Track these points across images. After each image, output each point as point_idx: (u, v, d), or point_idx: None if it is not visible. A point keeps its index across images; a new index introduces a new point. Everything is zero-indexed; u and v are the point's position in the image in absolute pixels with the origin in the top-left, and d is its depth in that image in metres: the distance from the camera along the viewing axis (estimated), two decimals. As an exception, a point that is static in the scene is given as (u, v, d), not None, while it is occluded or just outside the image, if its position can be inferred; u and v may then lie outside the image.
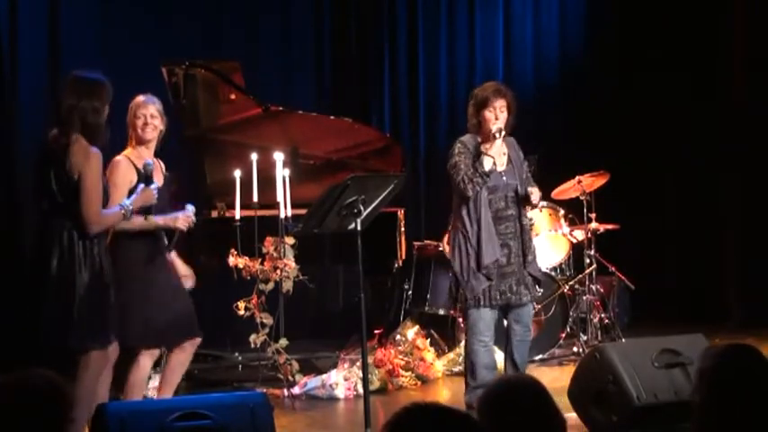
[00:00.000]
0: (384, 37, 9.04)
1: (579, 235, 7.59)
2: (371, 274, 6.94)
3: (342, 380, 6.32)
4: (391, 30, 9.07)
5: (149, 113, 5.14)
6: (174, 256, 5.31)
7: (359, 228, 4.98)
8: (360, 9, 8.97)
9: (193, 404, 3.54)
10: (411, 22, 9.11)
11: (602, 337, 7.48)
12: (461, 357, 6.96)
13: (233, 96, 6.97)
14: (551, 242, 7.56)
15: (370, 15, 9.01)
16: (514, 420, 2.49)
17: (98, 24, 7.95)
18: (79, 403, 4.41)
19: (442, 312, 7.49)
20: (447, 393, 6.50)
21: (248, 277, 6.09)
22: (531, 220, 5.88)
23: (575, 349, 7.36)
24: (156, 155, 5.25)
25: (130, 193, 4.90)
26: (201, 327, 5.29)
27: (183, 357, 5.22)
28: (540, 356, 7.15)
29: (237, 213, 5.96)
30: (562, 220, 7.54)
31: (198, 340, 5.26)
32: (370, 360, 6.01)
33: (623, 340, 7.11)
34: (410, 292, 7.65)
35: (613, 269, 7.86)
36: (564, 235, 7.53)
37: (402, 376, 6.61)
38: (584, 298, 7.49)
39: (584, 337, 7.44)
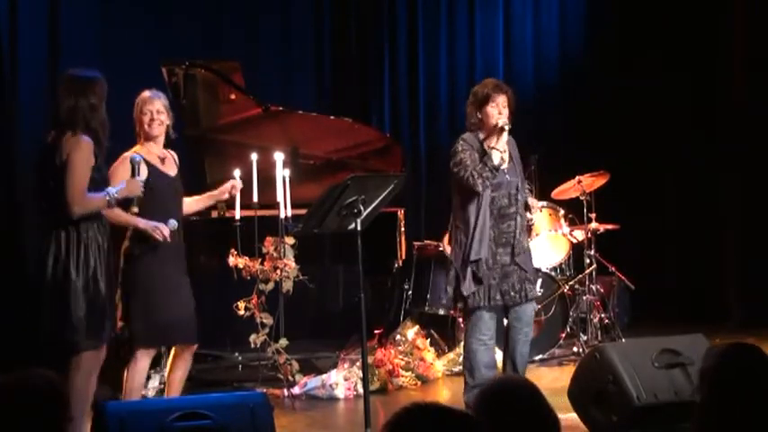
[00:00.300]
0: (384, 37, 9.05)
1: (579, 235, 7.59)
2: (371, 274, 6.94)
3: (342, 380, 6.32)
4: (391, 30, 9.07)
5: (155, 109, 5.19)
6: None
7: (359, 228, 4.98)
8: (360, 9, 8.97)
9: (193, 404, 3.54)
10: (411, 22, 9.11)
11: (602, 337, 7.48)
12: (461, 357, 6.96)
13: (233, 96, 6.97)
14: (551, 242, 7.56)
15: (370, 15, 9.01)
16: (510, 421, 2.49)
17: (98, 24, 7.96)
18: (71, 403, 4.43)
19: (442, 312, 7.49)
20: (447, 393, 6.50)
21: (248, 277, 6.09)
22: (531, 221, 5.87)
23: (575, 349, 7.36)
24: (168, 147, 5.33)
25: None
26: (202, 327, 5.29)
27: (178, 369, 5.26)
28: (540, 356, 7.15)
29: (237, 213, 5.96)
30: (562, 220, 7.54)
31: (191, 349, 5.28)
32: (370, 360, 6.01)
33: (623, 340, 7.11)
34: (410, 292, 7.64)
35: (613, 269, 7.86)
36: (564, 235, 7.53)
37: (402, 376, 6.61)
38: (584, 298, 7.49)
39: (584, 337, 7.44)
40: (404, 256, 7.21)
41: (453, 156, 5.54)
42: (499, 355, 5.88)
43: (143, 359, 5.11)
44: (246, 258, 6.05)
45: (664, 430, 4.67)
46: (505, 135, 5.48)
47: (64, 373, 4.51)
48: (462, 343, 7.00)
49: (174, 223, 5.09)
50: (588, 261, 7.48)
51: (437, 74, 9.16)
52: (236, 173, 5.60)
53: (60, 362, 4.59)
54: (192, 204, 5.49)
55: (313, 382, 6.35)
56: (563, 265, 7.67)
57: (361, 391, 5.69)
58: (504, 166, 5.55)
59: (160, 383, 5.99)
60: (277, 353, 6.23)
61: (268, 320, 6.15)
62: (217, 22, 8.42)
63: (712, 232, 8.91)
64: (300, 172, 6.88)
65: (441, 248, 7.46)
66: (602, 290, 7.68)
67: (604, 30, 9.32)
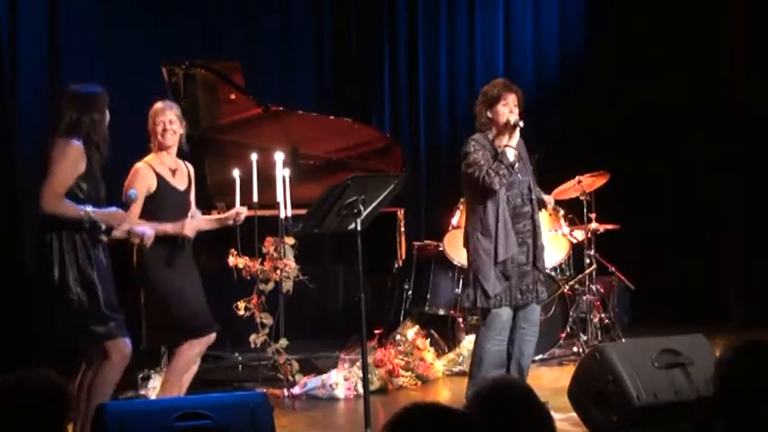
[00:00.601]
0: (384, 37, 9.05)
1: (579, 235, 7.59)
2: (371, 274, 6.94)
3: (342, 380, 6.32)
4: (391, 30, 9.07)
5: (168, 120, 5.24)
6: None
7: (359, 228, 4.98)
8: (360, 9, 8.97)
9: (193, 404, 3.54)
10: (411, 22, 9.11)
11: (602, 337, 7.48)
12: (461, 357, 6.97)
13: (233, 96, 6.97)
14: (551, 242, 7.54)
15: (370, 15, 9.01)
16: (504, 421, 2.49)
17: (98, 24, 7.95)
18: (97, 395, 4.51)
19: (442, 312, 7.49)
20: (447, 393, 6.50)
21: (248, 277, 6.09)
22: (557, 209, 5.85)
23: (575, 349, 7.36)
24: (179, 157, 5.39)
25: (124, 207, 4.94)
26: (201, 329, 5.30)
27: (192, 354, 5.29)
28: (540, 356, 7.14)
29: (237, 213, 5.96)
30: (562, 221, 7.54)
31: (211, 338, 5.33)
32: (370, 360, 6.01)
33: (623, 340, 7.11)
34: (410, 292, 7.65)
35: (613, 269, 7.86)
36: (564, 235, 7.53)
37: (402, 376, 6.61)
38: (584, 298, 7.49)
39: (584, 337, 7.44)
40: (404, 256, 7.21)
41: (465, 157, 5.53)
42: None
43: (196, 347, 5.20)
44: (246, 258, 6.05)
45: (664, 430, 4.67)
46: (518, 132, 5.50)
47: (69, 373, 4.51)
48: (463, 343, 7.05)
49: (150, 233, 5.07)
50: (588, 261, 7.48)
51: (437, 74, 9.16)
52: (242, 209, 5.56)
53: (64, 362, 4.61)
54: (201, 224, 5.50)
55: (313, 382, 6.35)
56: (563, 265, 7.67)
57: (361, 391, 5.69)
58: (516, 165, 5.56)
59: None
60: (277, 353, 6.23)
61: (268, 320, 6.15)
62: (217, 22, 8.42)
63: (712, 232, 8.91)
64: (300, 172, 6.88)
65: (441, 248, 7.46)
66: (602, 290, 7.68)
67: (604, 30, 9.33)
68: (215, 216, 5.70)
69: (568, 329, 7.32)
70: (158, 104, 5.30)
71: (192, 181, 5.42)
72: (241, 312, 6.12)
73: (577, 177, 7.39)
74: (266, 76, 8.28)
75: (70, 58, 7.57)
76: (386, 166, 7.27)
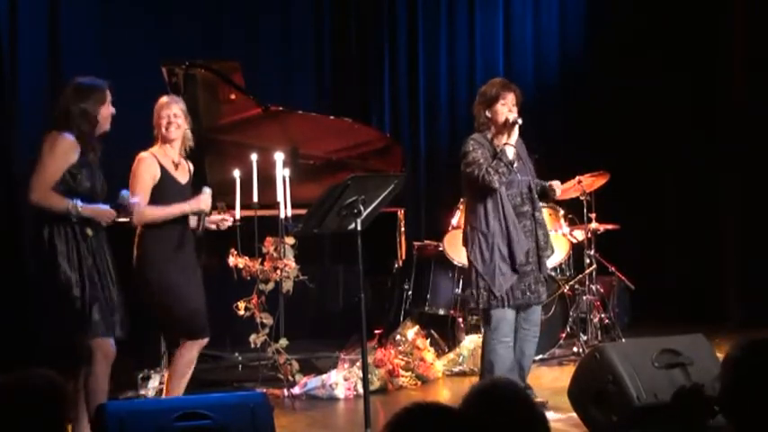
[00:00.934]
0: (384, 37, 9.05)
1: (579, 235, 7.58)
2: (371, 274, 6.93)
3: (342, 380, 6.32)
4: (391, 30, 9.07)
5: (172, 113, 5.26)
6: None
7: (359, 228, 4.98)
8: (360, 9, 8.97)
9: (193, 404, 3.54)
10: (411, 22, 9.11)
11: (602, 337, 7.48)
12: (461, 357, 6.97)
13: (233, 96, 6.96)
14: (551, 242, 7.54)
15: (370, 15, 9.01)
16: (499, 422, 2.49)
17: (98, 24, 7.96)
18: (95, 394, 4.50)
19: (442, 312, 7.49)
20: (447, 393, 6.50)
21: (248, 277, 6.09)
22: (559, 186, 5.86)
23: (575, 349, 7.36)
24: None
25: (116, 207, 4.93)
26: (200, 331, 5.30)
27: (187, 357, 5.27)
28: (540, 356, 7.13)
29: (237, 213, 5.96)
30: (562, 220, 7.53)
31: (204, 341, 5.32)
32: (370, 360, 6.00)
33: (623, 340, 7.10)
34: (410, 292, 7.65)
35: (613, 269, 7.86)
36: (564, 235, 7.53)
37: (402, 376, 6.60)
38: (584, 298, 7.49)
39: (585, 337, 7.44)
40: (404, 256, 7.21)
41: (464, 156, 5.54)
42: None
43: (195, 348, 5.21)
44: (246, 258, 6.05)
45: (664, 430, 4.67)
46: (516, 130, 5.50)
47: (69, 372, 4.52)
48: (463, 343, 7.04)
49: (207, 190, 5.17)
50: (588, 261, 7.48)
51: (437, 74, 9.16)
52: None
53: (64, 361, 4.61)
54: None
55: (313, 382, 6.35)
56: (563, 265, 7.67)
57: (361, 391, 5.69)
58: (515, 164, 5.56)
59: (160, 383, 5.99)
60: (277, 353, 6.22)
61: (268, 320, 6.15)
62: (217, 22, 8.42)
63: (712, 232, 8.91)
64: (300, 172, 6.88)
65: (441, 248, 7.46)
66: (602, 290, 7.68)
67: (604, 30, 9.33)
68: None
69: (568, 329, 7.32)
70: (164, 98, 5.35)
71: (192, 178, 5.42)
72: (241, 312, 6.12)
73: (577, 177, 7.39)
74: (266, 76, 8.28)
75: (70, 58, 7.57)
76: (386, 166, 7.26)
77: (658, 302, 8.64)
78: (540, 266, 5.61)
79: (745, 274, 8.60)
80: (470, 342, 6.93)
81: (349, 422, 5.84)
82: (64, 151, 4.64)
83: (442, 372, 6.90)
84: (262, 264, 6.10)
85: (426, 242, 7.83)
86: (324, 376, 6.38)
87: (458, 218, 7.42)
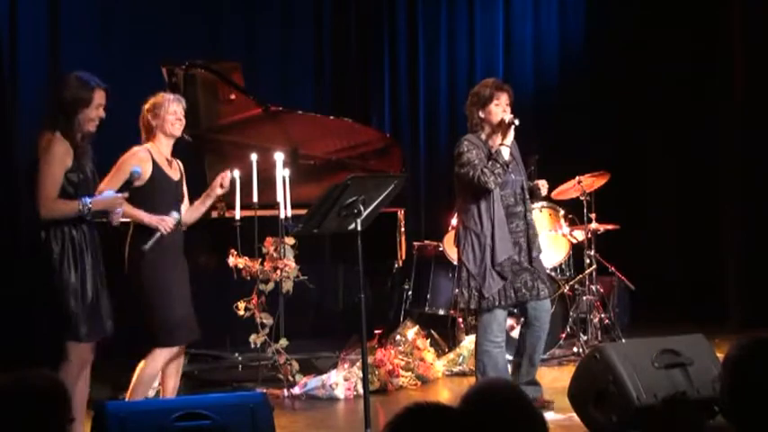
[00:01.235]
0: (384, 37, 9.05)
1: (579, 235, 7.58)
2: (371, 274, 6.94)
3: (342, 380, 6.32)
4: (391, 30, 9.07)
5: (180, 110, 5.23)
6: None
7: (359, 228, 4.98)
8: (360, 9, 8.97)
9: (193, 404, 3.54)
10: (411, 23, 9.11)
11: (602, 337, 7.48)
12: (461, 357, 6.97)
13: (233, 96, 6.96)
14: (551, 242, 7.55)
15: (370, 15, 9.01)
16: (496, 422, 2.49)
17: (98, 24, 7.96)
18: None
19: (442, 312, 7.49)
20: (447, 393, 6.50)
21: (248, 277, 6.10)
22: (542, 184, 5.86)
23: (575, 349, 7.36)
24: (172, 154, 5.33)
25: (127, 185, 4.91)
26: (201, 327, 5.28)
27: (177, 363, 5.25)
28: (541, 356, 7.14)
29: (237, 213, 5.96)
30: (562, 221, 7.53)
31: (183, 348, 5.29)
32: (370, 360, 6.01)
33: (623, 340, 7.10)
34: (410, 292, 7.65)
35: (613, 269, 7.86)
36: (564, 235, 7.53)
37: (402, 376, 6.60)
38: (584, 298, 7.49)
39: (585, 337, 7.44)
40: (404, 256, 7.21)
41: (459, 157, 5.54)
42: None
43: (160, 359, 5.12)
44: (246, 258, 6.05)
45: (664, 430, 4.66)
46: (512, 131, 5.50)
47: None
48: (463, 343, 7.05)
49: (176, 215, 5.12)
50: (588, 261, 7.48)
51: (437, 74, 9.16)
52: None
53: (57, 358, 4.63)
54: (192, 212, 5.43)
55: (313, 382, 6.35)
56: (563, 266, 7.67)
57: (361, 391, 5.69)
58: (509, 164, 5.56)
59: (160, 384, 5.98)
60: (277, 353, 6.23)
61: (268, 320, 6.16)
62: (217, 23, 8.42)
63: (712, 232, 8.91)
64: (300, 172, 6.88)
65: (441, 248, 7.46)
66: (602, 290, 7.67)
67: (604, 30, 9.32)
68: (203, 196, 5.48)
69: (568, 329, 7.32)
70: (168, 95, 5.26)
71: (184, 175, 5.36)
72: (241, 312, 6.12)
73: (577, 177, 7.39)
74: (266, 76, 8.29)
75: (70, 58, 7.56)
76: (386, 166, 7.27)
77: (658, 302, 8.64)
78: (531, 263, 5.58)
79: (746, 274, 8.60)
80: (470, 342, 6.93)
81: (349, 422, 5.84)
82: (61, 156, 4.60)
83: (442, 372, 6.90)
84: (262, 264, 6.10)
85: (426, 242, 7.83)
86: (324, 376, 6.38)
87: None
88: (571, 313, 7.35)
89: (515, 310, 6.25)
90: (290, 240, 6.17)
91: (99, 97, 4.73)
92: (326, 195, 4.94)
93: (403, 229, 7.14)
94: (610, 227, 7.71)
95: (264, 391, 5.60)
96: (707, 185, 8.92)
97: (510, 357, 5.89)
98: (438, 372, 6.85)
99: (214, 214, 6.72)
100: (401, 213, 7.12)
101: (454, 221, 7.50)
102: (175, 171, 5.27)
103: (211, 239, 6.46)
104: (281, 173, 6.08)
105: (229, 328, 7.02)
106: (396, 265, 7.23)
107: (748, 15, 8.62)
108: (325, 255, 6.85)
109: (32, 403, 2.63)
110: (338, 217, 5.00)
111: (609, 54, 9.22)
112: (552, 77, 9.31)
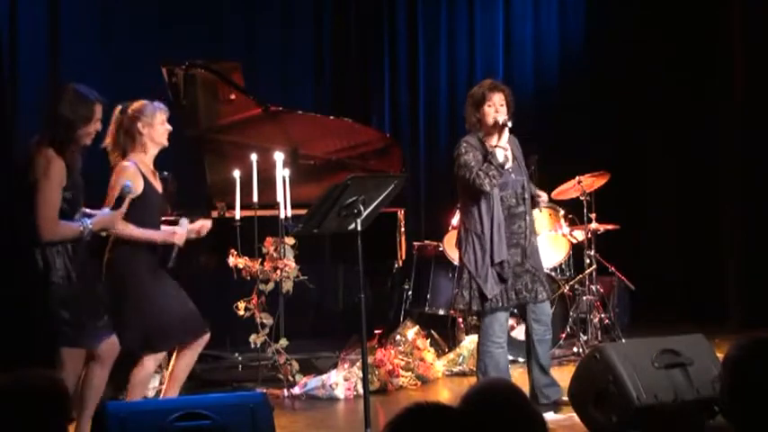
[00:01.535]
0: (384, 37, 9.05)
1: (579, 235, 7.58)
2: (371, 274, 6.94)
3: (342, 380, 6.32)
4: (391, 30, 9.07)
5: (166, 122, 5.16)
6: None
7: (359, 228, 4.98)
8: (360, 9, 8.97)
9: (193, 404, 3.54)
10: (411, 23, 9.11)
11: (602, 337, 7.48)
12: (461, 357, 6.97)
13: (233, 96, 6.96)
14: (551, 242, 7.56)
15: (370, 15, 9.01)
16: (495, 422, 2.49)
17: (98, 24, 7.96)
18: None
19: (441, 312, 7.49)
20: (447, 393, 6.50)
21: (248, 277, 6.10)
22: (547, 203, 5.89)
23: (575, 349, 7.36)
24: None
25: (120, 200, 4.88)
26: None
27: (188, 359, 5.22)
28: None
29: (237, 213, 5.96)
30: (562, 221, 7.53)
31: (206, 338, 5.24)
32: (370, 360, 6.01)
33: (623, 340, 7.10)
34: (410, 292, 7.65)
35: (613, 269, 7.86)
36: (564, 235, 7.53)
37: (402, 376, 6.60)
38: (584, 298, 7.49)
39: (585, 337, 7.44)
40: (404, 256, 7.21)
41: (457, 159, 5.55)
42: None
43: (149, 364, 5.10)
44: (246, 258, 6.05)
45: (664, 430, 4.67)
46: (506, 132, 5.50)
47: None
48: (463, 343, 7.05)
49: (185, 221, 5.10)
50: (588, 261, 7.48)
51: (437, 74, 9.16)
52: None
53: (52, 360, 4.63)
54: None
55: (313, 382, 6.35)
56: (563, 266, 7.67)
57: (361, 391, 5.69)
58: (509, 165, 5.57)
59: (160, 383, 5.98)
60: (277, 353, 6.23)
61: (268, 320, 6.16)
62: (217, 23, 8.42)
63: (712, 232, 8.91)
64: (300, 172, 6.88)
65: (441, 248, 7.46)
66: (602, 290, 7.67)
67: (604, 30, 9.32)
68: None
69: (568, 329, 7.32)
70: (159, 104, 5.17)
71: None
72: (241, 312, 6.12)
73: (577, 177, 7.39)
74: (266, 76, 8.28)
75: (70, 58, 7.57)
76: (386, 166, 7.27)
77: (658, 302, 8.64)
78: (530, 263, 5.59)
79: (746, 274, 8.60)
80: (470, 342, 6.93)
81: (349, 422, 5.83)
82: (60, 178, 4.58)
83: (442, 372, 6.90)
84: (262, 264, 6.10)
85: (426, 242, 7.83)
86: (324, 376, 6.38)
87: (457, 218, 7.42)
88: (571, 313, 7.35)
89: (515, 311, 6.26)
90: (290, 240, 6.17)
91: (98, 112, 4.73)
92: (326, 195, 4.94)
93: (403, 229, 7.14)
94: (610, 227, 7.71)
95: (264, 391, 5.61)
96: (707, 185, 8.92)
97: (511, 358, 5.90)
98: (438, 372, 6.85)
99: (214, 214, 6.73)
100: (401, 213, 7.12)
101: (454, 221, 7.51)
102: (158, 182, 5.18)
103: (211, 239, 6.46)
104: (281, 173, 6.08)
105: (229, 328, 7.02)
106: (396, 265, 7.24)
107: (748, 15, 8.62)
108: (325, 255, 6.85)
109: (32, 403, 2.63)
110: (338, 217, 5.00)
111: (609, 54, 9.22)
112: (552, 77, 9.31)
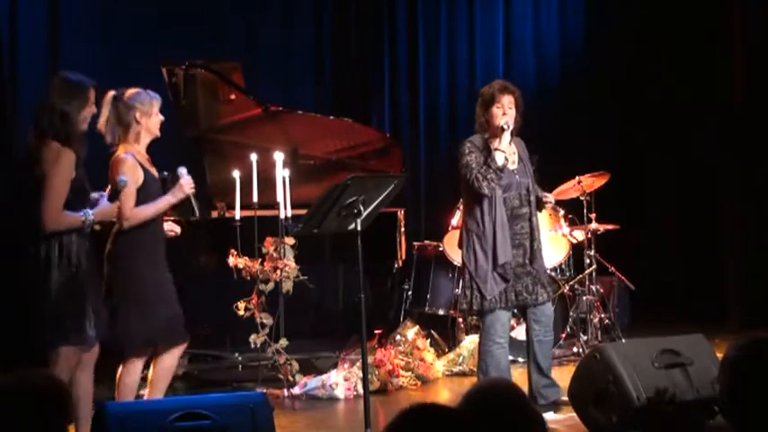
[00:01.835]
0: (384, 37, 9.05)
1: (579, 235, 7.58)
2: (371, 274, 6.94)
3: (342, 380, 6.32)
4: (391, 30, 9.08)
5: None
6: None
7: (359, 228, 4.98)
8: (360, 9, 8.98)
9: (193, 404, 3.53)
10: (411, 23, 9.11)
11: (602, 337, 7.48)
12: (461, 358, 6.97)
13: (233, 96, 6.97)
14: (551, 242, 7.55)
15: (370, 15, 9.01)
16: (495, 422, 2.49)
17: (98, 25, 7.97)
18: None
19: (441, 312, 7.50)
20: (447, 393, 6.50)
21: (248, 277, 6.10)
22: (551, 204, 5.90)
23: (575, 349, 7.36)
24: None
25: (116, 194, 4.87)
26: (201, 327, 5.27)
27: (170, 362, 5.19)
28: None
29: (237, 213, 5.96)
30: (562, 221, 7.54)
31: (184, 345, 5.20)
32: (370, 360, 6.01)
33: (623, 340, 7.10)
34: (410, 293, 7.65)
35: (613, 269, 7.86)
36: (564, 235, 7.53)
37: (402, 376, 6.60)
38: (584, 298, 7.49)
39: (585, 337, 7.44)
40: (404, 257, 7.21)
41: (460, 158, 5.55)
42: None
43: (137, 362, 5.07)
44: (246, 258, 6.05)
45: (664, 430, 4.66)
46: (507, 135, 5.49)
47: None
48: (463, 343, 7.05)
49: (183, 170, 5.05)
50: (588, 261, 7.48)
51: (437, 74, 9.16)
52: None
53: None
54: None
55: (313, 382, 6.35)
56: (563, 266, 7.67)
57: (361, 391, 5.69)
58: (514, 166, 5.56)
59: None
60: (277, 353, 6.23)
61: (268, 320, 6.16)
62: (217, 23, 8.42)
63: (712, 232, 8.91)
64: (300, 172, 6.88)
65: (441, 248, 7.46)
66: (602, 290, 7.68)
67: (604, 30, 9.33)
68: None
69: (568, 329, 7.33)
70: (153, 94, 5.07)
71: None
72: (241, 312, 6.12)
73: (577, 177, 7.39)
74: (266, 76, 8.29)
75: (70, 58, 7.56)
76: (385, 166, 7.27)
77: (658, 302, 8.64)
78: (532, 264, 5.59)
79: (746, 274, 8.60)
80: (470, 342, 6.93)
81: (349, 422, 5.84)
82: (68, 169, 4.59)
83: (442, 372, 6.90)
84: (262, 264, 6.10)
85: (426, 242, 7.83)
86: (324, 376, 6.38)
87: (458, 218, 7.43)
88: (571, 313, 7.35)
89: (515, 311, 6.26)
90: (290, 240, 6.17)
91: (92, 96, 4.74)
92: (326, 195, 4.93)
93: (403, 229, 7.14)
94: (610, 227, 7.71)
95: (264, 391, 5.61)
96: (707, 185, 8.92)
97: (511, 358, 5.90)
98: (438, 372, 6.85)
99: (214, 214, 6.74)
100: (401, 213, 7.12)
101: (454, 221, 7.51)
102: (154, 168, 5.13)
103: (211, 239, 6.47)
104: (281, 173, 6.08)
105: (229, 328, 7.03)
106: (396, 265, 7.24)
107: (748, 15, 8.62)
108: (325, 255, 6.85)
109: (32, 403, 2.63)
110: (338, 217, 5.00)
111: (609, 54, 9.23)
112: (552, 77, 9.32)
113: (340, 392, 6.26)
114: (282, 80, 8.65)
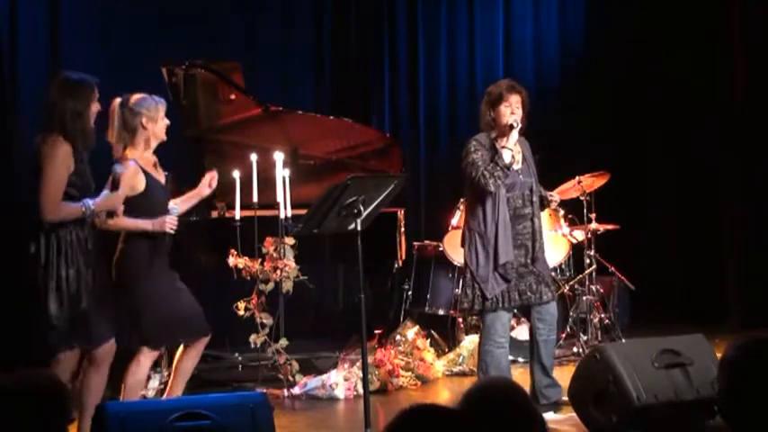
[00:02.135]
0: (384, 37, 9.05)
1: (579, 235, 7.58)
2: (371, 274, 6.93)
3: (342, 380, 6.32)
4: (391, 30, 9.07)
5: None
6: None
7: (359, 228, 4.98)
8: (360, 9, 8.97)
9: (193, 404, 3.54)
10: (411, 23, 9.11)
11: (602, 337, 7.48)
12: (461, 358, 6.97)
13: (233, 96, 6.97)
14: (551, 242, 7.54)
15: (370, 15, 9.01)
16: (495, 422, 2.49)
17: (98, 24, 7.97)
18: None
19: (441, 312, 7.50)
20: (447, 394, 6.50)
21: (248, 277, 6.10)
22: (555, 203, 5.91)
23: (575, 349, 7.36)
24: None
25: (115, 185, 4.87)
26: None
27: (193, 357, 5.21)
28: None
29: (237, 213, 5.96)
30: (562, 221, 7.54)
31: (206, 340, 5.22)
32: (370, 360, 6.01)
33: (623, 340, 7.10)
34: (410, 293, 7.65)
35: (613, 269, 7.86)
36: (564, 235, 7.53)
37: (402, 376, 6.60)
38: (584, 298, 7.49)
39: (585, 337, 7.44)
40: (404, 257, 7.21)
41: (465, 156, 5.54)
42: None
43: (147, 361, 5.09)
44: (246, 258, 6.05)
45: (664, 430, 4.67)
46: (515, 133, 5.49)
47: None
48: (463, 343, 7.05)
49: (176, 210, 5.09)
50: (588, 261, 7.48)
51: (437, 74, 9.16)
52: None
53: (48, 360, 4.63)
54: (180, 208, 5.31)
55: (313, 382, 6.35)
56: (563, 266, 7.67)
57: (361, 391, 5.69)
58: (518, 166, 5.56)
59: (160, 383, 5.99)
60: (277, 353, 6.23)
61: (268, 320, 6.16)
62: (217, 23, 8.42)
63: (712, 232, 8.91)
64: (300, 172, 6.88)
65: (441, 248, 7.46)
66: (602, 290, 7.67)
67: (604, 30, 9.33)
68: (189, 194, 5.38)
69: (568, 330, 7.33)
70: (158, 98, 5.11)
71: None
72: (241, 312, 6.12)
73: (577, 177, 7.39)
74: (266, 76, 8.28)
75: (70, 58, 7.56)
76: (385, 166, 7.27)
77: (658, 302, 8.64)
78: (536, 266, 5.59)
79: (746, 274, 8.60)
80: (470, 342, 6.94)
81: (349, 422, 5.84)
82: (66, 160, 4.59)
83: (442, 372, 6.90)
84: (262, 264, 6.10)
85: (426, 242, 7.83)
86: (324, 376, 6.38)
87: (458, 218, 7.43)
88: (571, 313, 7.35)
89: (516, 311, 6.26)
90: (290, 240, 6.17)
91: (96, 93, 4.76)
92: (326, 195, 4.94)
93: (403, 229, 7.14)
94: (610, 227, 7.71)
95: (264, 391, 5.61)
96: (707, 185, 8.92)
97: (511, 358, 5.90)
98: (438, 372, 6.85)
99: (214, 214, 6.74)
100: (401, 213, 7.12)
101: (454, 221, 7.51)
102: (160, 172, 5.15)
103: (211, 239, 6.47)
104: (281, 173, 6.08)
105: (229, 328, 7.02)
106: (396, 265, 7.24)
107: (748, 15, 8.62)
108: (325, 255, 6.85)
109: (33, 403, 2.63)
110: (338, 217, 5.00)
111: (609, 54, 9.22)
112: (552, 77, 9.31)
113: (340, 392, 6.26)
114: (282, 80, 8.64)
